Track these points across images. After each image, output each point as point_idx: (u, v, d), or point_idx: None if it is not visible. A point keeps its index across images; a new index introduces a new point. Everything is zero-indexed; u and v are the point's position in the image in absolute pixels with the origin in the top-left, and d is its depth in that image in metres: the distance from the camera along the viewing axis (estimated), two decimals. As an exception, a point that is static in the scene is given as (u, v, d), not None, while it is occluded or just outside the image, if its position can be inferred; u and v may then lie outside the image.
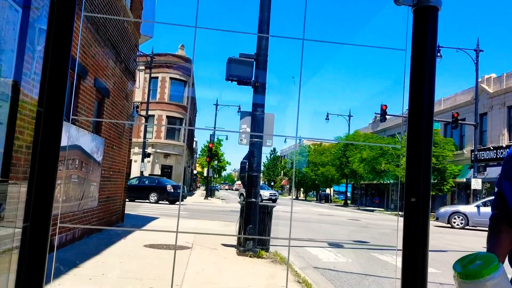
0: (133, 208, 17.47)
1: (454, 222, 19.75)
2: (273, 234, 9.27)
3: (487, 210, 17.91)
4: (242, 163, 8.58)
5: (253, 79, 8.43)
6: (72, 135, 7.03)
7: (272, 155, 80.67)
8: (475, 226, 19.27)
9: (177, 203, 25.77)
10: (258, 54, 8.44)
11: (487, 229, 1.77)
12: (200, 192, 57.68)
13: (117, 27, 9.68)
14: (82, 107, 7.59)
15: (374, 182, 40.67)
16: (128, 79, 11.10)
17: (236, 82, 8.53)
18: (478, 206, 19.47)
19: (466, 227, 19.40)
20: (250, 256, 7.69)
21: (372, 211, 34.98)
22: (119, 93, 10.34)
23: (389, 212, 33.33)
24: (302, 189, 66.29)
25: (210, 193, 41.29)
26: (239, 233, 8.51)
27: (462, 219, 19.59)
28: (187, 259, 6.91)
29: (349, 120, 47.72)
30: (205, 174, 43.19)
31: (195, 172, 68.00)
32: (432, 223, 21.76)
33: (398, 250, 1.87)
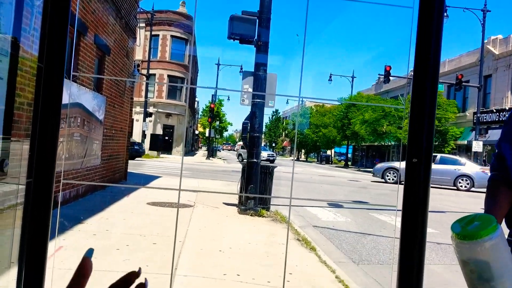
0: (136, 167, 17.63)
1: (388, 177, 21.06)
2: (274, 194, 9.39)
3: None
4: (244, 123, 8.57)
5: (255, 37, 8.28)
6: (73, 92, 6.99)
7: (274, 116, 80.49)
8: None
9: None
10: (261, 12, 8.25)
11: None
12: (202, 152, 58.01)
13: (117, -18, 9.43)
14: (82, 64, 7.51)
15: (375, 144, 40.78)
16: (128, 36, 10.93)
17: (238, 41, 8.38)
18: None
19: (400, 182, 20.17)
20: (251, 215, 7.82)
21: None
22: (119, 51, 10.20)
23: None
24: (303, 151, 66.57)
25: (211, 153, 41.54)
26: (240, 192, 8.61)
27: (395, 175, 20.77)
28: (189, 216, 7.03)
29: (352, 81, 47.26)
30: (206, 134, 43.29)
31: (196, 132, 68.11)
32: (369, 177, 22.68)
33: (398, 210, 1.90)
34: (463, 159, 21.85)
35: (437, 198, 14.78)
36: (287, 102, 77.12)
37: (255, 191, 8.12)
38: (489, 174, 1.74)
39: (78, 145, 7.41)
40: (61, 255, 4.27)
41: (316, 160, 62.08)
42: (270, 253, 5.34)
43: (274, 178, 8.85)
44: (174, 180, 13.33)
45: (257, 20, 8.29)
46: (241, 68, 31.95)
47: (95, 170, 8.76)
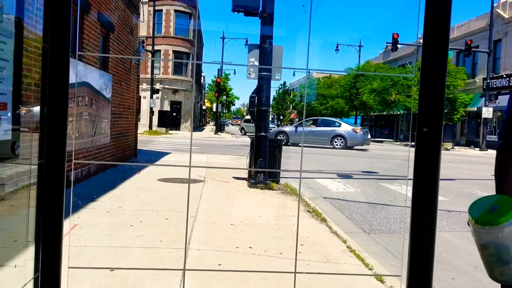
0: (146, 143, 17.73)
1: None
2: (283, 167, 9.41)
3: (299, 129, 21.85)
4: (251, 97, 8.53)
5: (260, 9, 8.15)
6: (80, 72, 6.98)
7: (281, 89, 79.98)
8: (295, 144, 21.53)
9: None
10: (265, -17, 8.10)
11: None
12: (210, 127, 58.06)
13: (117, -43, 9.27)
14: (87, 43, 7.47)
15: (384, 113, 40.50)
16: (132, 12, 10.82)
17: (243, 13, 8.26)
18: (295, 127, 22.88)
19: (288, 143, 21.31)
20: (261, 188, 7.87)
21: (382, 142, 35.14)
22: (123, 28, 10.12)
23: (398, 143, 33.46)
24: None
25: (220, 128, 41.57)
26: (250, 166, 8.65)
27: (285, 139, 21.41)
28: (200, 191, 7.10)
29: (360, 50, 46.60)
30: (214, 109, 43.22)
31: (204, 107, 68.03)
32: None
33: (408, 179, 1.89)
34: (338, 121, 23.13)
35: (447, 166, 14.74)
36: (293, 74, 76.48)
37: (265, 165, 8.15)
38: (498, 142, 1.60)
39: (87, 124, 7.45)
40: (77, 233, 4.35)
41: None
42: (281, 225, 5.40)
43: (283, 151, 8.87)
44: (183, 156, 13.41)
45: (261, -9, 8.14)
46: (247, 41, 31.58)
47: (105, 148, 8.83)
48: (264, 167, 8.12)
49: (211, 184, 7.99)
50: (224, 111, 56.61)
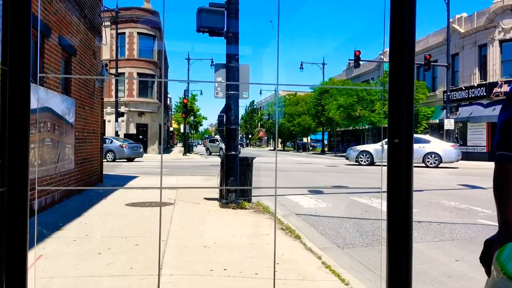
0: (112, 168, 17.35)
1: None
2: (255, 185, 9.36)
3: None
4: (219, 116, 8.49)
5: (225, 29, 8.19)
6: (41, 97, 6.78)
7: (250, 108, 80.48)
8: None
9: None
10: (229, 3, 8.16)
11: None
12: (178, 149, 57.49)
13: (78, -19, 9.16)
14: (48, 67, 7.29)
15: (350, 128, 41.24)
16: (94, 35, 10.67)
17: (207, 34, 8.28)
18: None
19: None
20: (233, 208, 7.79)
21: (349, 156, 35.62)
22: (86, 51, 9.95)
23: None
24: (280, 140, 66.84)
25: (188, 149, 41.24)
26: (221, 185, 8.56)
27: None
28: (170, 214, 6.95)
29: (323, 68, 47.54)
30: (181, 130, 42.92)
31: (171, 129, 67.45)
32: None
33: (382, 192, 1.88)
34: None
35: (414, 177, 15.03)
36: (260, 93, 77.12)
37: (236, 184, 8.08)
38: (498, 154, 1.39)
39: (50, 151, 7.21)
40: (42, 264, 4.15)
41: (293, 148, 62.42)
42: (255, 244, 5.33)
43: (254, 169, 8.83)
44: (151, 179, 13.17)
45: (226, 11, 8.19)
46: (212, 62, 31.69)
47: (70, 174, 8.56)
48: (235, 186, 8.04)
49: (181, 206, 7.85)
50: (192, 132, 56.28)
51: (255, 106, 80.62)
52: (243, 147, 42.75)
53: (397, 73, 1.52)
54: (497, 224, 1.40)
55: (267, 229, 6.17)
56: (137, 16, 35.72)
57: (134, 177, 13.57)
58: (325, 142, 52.32)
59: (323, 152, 46.90)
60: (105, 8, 27.55)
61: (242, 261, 4.48)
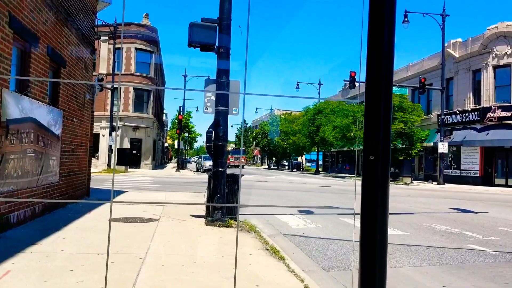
0: (102, 182, 17.09)
1: None
2: (242, 203, 9.16)
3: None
4: (207, 132, 8.34)
5: (216, 44, 8.11)
6: (25, 107, 6.61)
7: (244, 127, 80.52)
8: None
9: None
10: (221, 18, 8.09)
11: None
12: (172, 165, 57.18)
13: (71, -8, 9.10)
14: (35, 77, 7.14)
15: (345, 149, 41.17)
16: (86, 47, 10.56)
17: (199, 49, 8.18)
18: None
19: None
20: (218, 226, 7.58)
21: (343, 177, 35.52)
22: (77, 63, 9.83)
23: (360, 178, 33.80)
24: (274, 159, 66.66)
25: (182, 165, 40.98)
26: (208, 202, 8.36)
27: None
28: (153, 231, 6.74)
29: (319, 88, 47.71)
30: (175, 146, 42.74)
31: (166, 145, 67.24)
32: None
33: (356, 214, 1.70)
34: None
35: (407, 200, 14.89)
36: (256, 111, 77.41)
37: (222, 201, 7.88)
38: None
39: (32, 162, 7.01)
40: (8, 281, 3.93)
41: (287, 167, 62.21)
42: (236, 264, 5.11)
43: (246, 187, 8.64)
44: (140, 195, 12.93)
45: (217, 27, 8.12)
46: (209, 78, 31.66)
47: (54, 187, 8.34)
48: (221, 203, 7.84)
49: (166, 223, 7.63)
50: (186, 148, 56.08)
51: (249, 125, 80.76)
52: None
53: (374, 90, 1.43)
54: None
55: (251, 248, 5.96)
56: (135, 32, 35.79)
57: (122, 192, 13.33)
58: (320, 162, 52.20)
59: (317, 172, 46.73)
60: (104, 23, 27.63)
61: (221, 282, 4.27)
